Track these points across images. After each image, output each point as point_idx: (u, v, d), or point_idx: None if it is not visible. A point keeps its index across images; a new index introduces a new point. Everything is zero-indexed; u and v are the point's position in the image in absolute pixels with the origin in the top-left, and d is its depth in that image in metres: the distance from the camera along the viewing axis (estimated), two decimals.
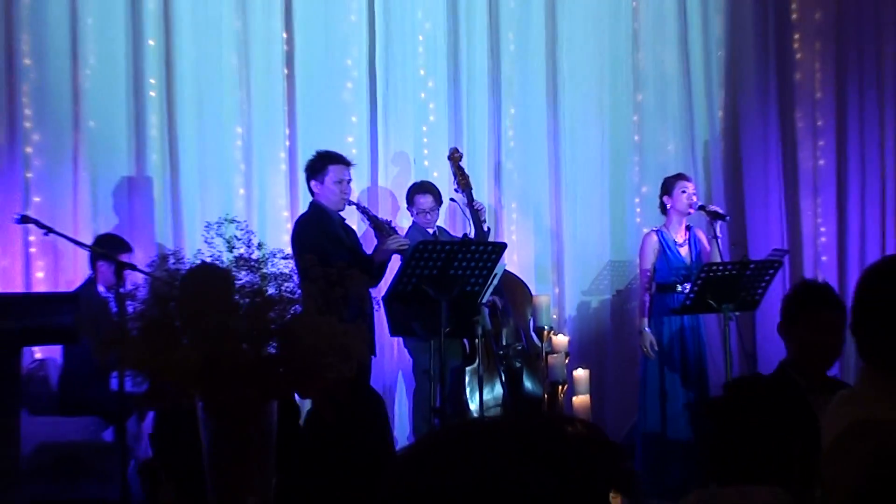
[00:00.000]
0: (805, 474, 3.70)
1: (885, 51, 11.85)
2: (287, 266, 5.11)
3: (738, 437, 5.29)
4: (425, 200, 9.52)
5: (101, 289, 8.56)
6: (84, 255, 8.78)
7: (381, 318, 9.16)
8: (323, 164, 8.96)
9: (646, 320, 9.56)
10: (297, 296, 4.72)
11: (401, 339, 9.45)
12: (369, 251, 8.94)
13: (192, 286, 4.99)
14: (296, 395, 5.44)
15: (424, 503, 1.45)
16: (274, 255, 6.27)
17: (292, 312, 4.96)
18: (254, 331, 5.28)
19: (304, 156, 9.56)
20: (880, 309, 3.23)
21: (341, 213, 9.04)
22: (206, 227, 6.33)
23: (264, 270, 5.96)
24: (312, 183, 8.94)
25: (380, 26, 10.49)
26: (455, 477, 1.44)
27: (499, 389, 8.98)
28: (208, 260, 5.96)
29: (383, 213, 10.16)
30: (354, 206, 9.06)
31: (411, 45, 10.64)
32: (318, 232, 8.74)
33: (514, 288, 9.62)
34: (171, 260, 6.31)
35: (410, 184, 9.84)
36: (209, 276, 4.88)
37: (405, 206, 9.78)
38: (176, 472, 6.35)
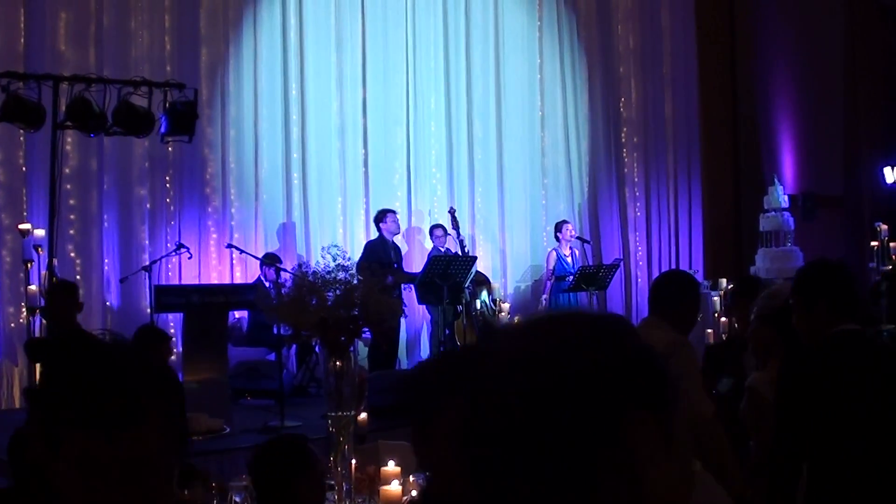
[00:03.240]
0: None
1: (669, 155, 11.90)
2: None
3: None
4: (440, 232, 9.50)
5: (266, 283, 8.50)
6: (258, 264, 8.73)
7: (412, 296, 9.12)
8: (384, 214, 9.05)
9: (546, 296, 9.64)
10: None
11: (425, 305, 9.41)
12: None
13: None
14: None
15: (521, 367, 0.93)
16: (356, 264, 6.23)
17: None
18: (346, 303, 5.21)
19: (372, 212, 9.58)
20: (665, 292, 3.71)
21: (393, 240, 9.08)
22: (323, 249, 6.28)
23: (352, 271, 5.90)
24: (382, 224, 9.00)
25: (412, 146, 10.40)
26: (546, 345, 0.94)
27: (472, 336, 8.93)
28: (322, 266, 5.90)
29: (414, 244, 10.21)
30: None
31: (428, 156, 10.56)
32: (378, 249, 8.78)
33: (481, 279, 9.58)
34: (304, 267, 6.27)
35: (431, 225, 9.76)
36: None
37: (428, 236, 9.71)
38: None
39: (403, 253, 9.68)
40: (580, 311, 1.07)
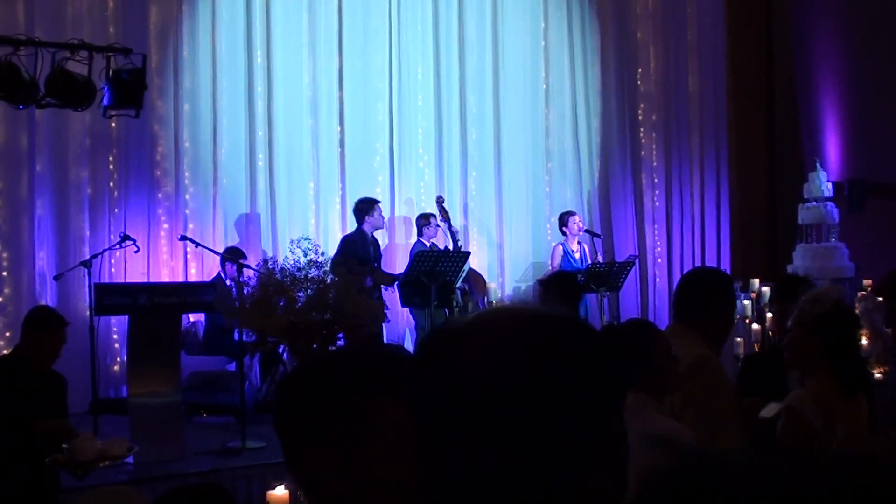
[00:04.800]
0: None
1: (693, 136, 11.88)
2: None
3: None
4: (431, 224, 9.47)
5: (227, 281, 8.45)
6: (218, 259, 8.66)
7: (395, 297, 9.08)
8: (372, 204, 9.05)
9: None
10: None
11: (408, 309, 9.36)
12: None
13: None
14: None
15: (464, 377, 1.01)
16: (331, 260, 6.17)
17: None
18: (319, 304, 5.16)
19: (350, 201, 9.57)
20: (692, 294, 3.59)
21: (373, 234, 9.04)
22: (291, 242, 6.25)
23: (325, 268, 5.86)
24: (367, 216, 8.96)
25: (396, 124, 10.37)
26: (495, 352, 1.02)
27: None
28: (291, 262, 5.83)
29: (397, 237, 10.18)
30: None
31: (414, 135, 10.53)
32: (357, 245, 8.74)
33: (475, 278, 9.58)
34: (270, 263, 6.24)
35: (419, 215, 9.70)
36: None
37: (416, 229, 9.67)
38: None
39: (382, 248, 9.64)
40: (527, 306, 1.10)
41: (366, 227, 9.01)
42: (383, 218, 9.30)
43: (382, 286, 8.77)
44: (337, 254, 8.41)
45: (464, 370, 1.01)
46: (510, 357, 1.01)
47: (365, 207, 9.06)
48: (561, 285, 5.46)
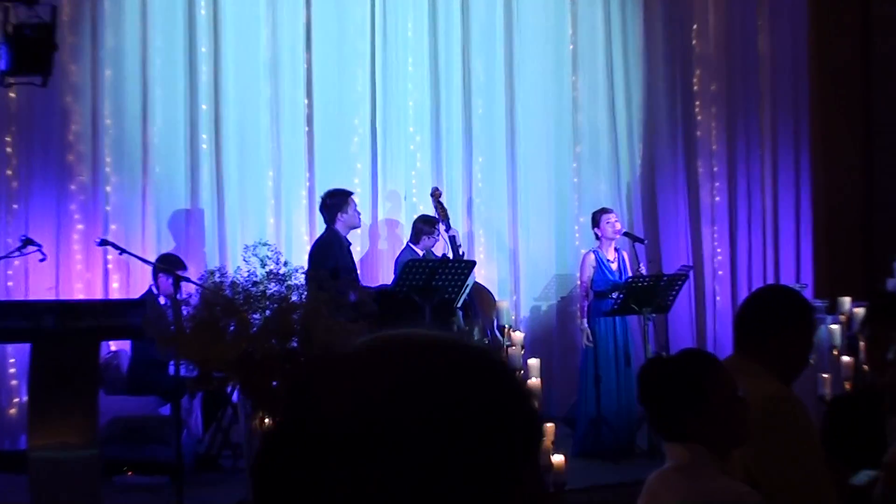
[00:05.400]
0: None
1: (765, 112, 11.87)
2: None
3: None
4: (428, 230, 9.44)
5: (161, 298, 8.45)
6: (149, 270, 8.64)
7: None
8: (344, 197, 9.06)
9: (584, 320, 9.52)
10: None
11: None
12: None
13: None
14: None
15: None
16: (297, 271, 6.19)
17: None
18: (281, 329, 5.17)
19: (318, 192, 9.60)
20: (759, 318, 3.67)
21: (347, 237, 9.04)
22: (245, 249, 6.26)
23: (289, 282, 5.87)
24: (339, 214, 8.91)
25: (379, 94, 10.41)
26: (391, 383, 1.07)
27: None
28: (245, 275, 5.84)
29: (381, 242, 10.19)
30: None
31: (403, 108, 10.54)
32: (334, 253, 8.72)
33: (482, 295, 9.58)
34: (217, 275, 6.24)
35: (417, 217, 9.65)
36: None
37: (410, 233, 9.60)
38: None
39: (360, 256, 9.66)
40: (422, 333, 1.15)
41: (339, 227, 8.97)
42: (359, 214, 9.24)
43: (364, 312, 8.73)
44: (310, 264, 8.38)
45: (340, 411, 1.06)
46: (396, 397, 1.06)
47: (336, 202, 9.01)
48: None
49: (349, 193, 9.18)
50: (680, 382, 2.99)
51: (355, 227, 9.26)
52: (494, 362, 1.13)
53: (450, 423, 1.05)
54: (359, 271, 9.34)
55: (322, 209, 9.13)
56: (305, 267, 7.64)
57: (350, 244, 9.14)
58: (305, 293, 5.77)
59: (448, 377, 1.08)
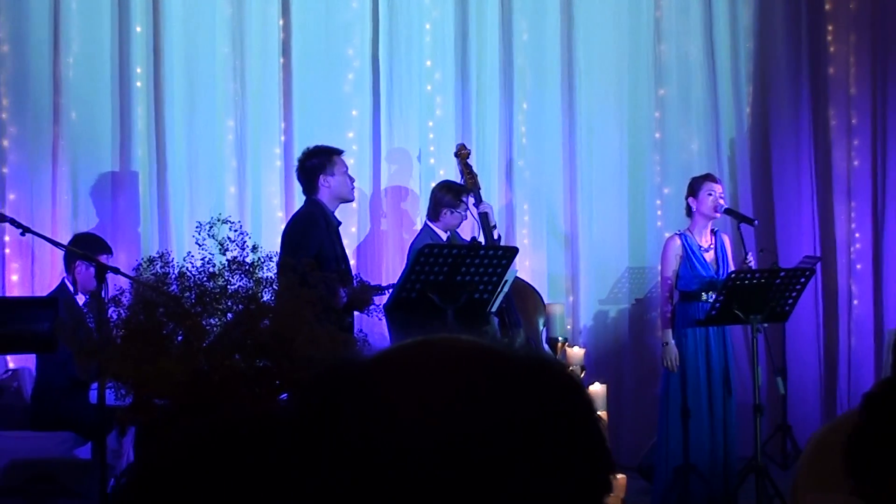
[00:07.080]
0: None
1: None
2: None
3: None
4: (452, 204, 9.43)
5: (78, 296, 8.46)
6: (62, 256, 8.66)
7: (380, 327, 9.11)
8: (329, 156, 8.90)
9: (668, 332, 9.44)
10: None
11: None
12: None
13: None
14: None
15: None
16: (270, 259, 6.22)
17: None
18: (248, 340, 5.22)
19: (297, 148, 9.54)
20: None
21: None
22: (198, 227, 6.30)
23: (258, 275, 5.91)
24: (322, 179, 8.82)
25: (384, 13, 10.44)
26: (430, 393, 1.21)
27: None
28: (199, 263, 5.90)
29: (384, 220, 10.26)
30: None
31: (417, 33, 10.59)
32: (317, 234, 8.67)
33: (525, 296, 9.58)
34: (159, 263, 6.28)
35: (437, 186, 9.62)
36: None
37: (427, 208, 9.61)
38: None
39: (360, 239, 9.68)
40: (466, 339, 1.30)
41: (323, 199, 8.96)
42: (352, 180, 9.20)
43: (356, 308, 8.75)
44: (284, 247, 8.42)
45: (376, 425, 1.22)
46: (436, 411, 1.20)
47: (318, 163, 8.96)
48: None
49: (337, 152, 9.09)
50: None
51: (346, 200, 9.18)
52: (561, 377, 1.24)
53: (505, 440, 1.19)
54: (352, 261, 9.36)
55: (299, 174, 9.09)
56: (279, 253, 7.67)
57: (339, 223, 9.12)
58: (279, 290, 5.79)
59: (503, 386, 1.20)
